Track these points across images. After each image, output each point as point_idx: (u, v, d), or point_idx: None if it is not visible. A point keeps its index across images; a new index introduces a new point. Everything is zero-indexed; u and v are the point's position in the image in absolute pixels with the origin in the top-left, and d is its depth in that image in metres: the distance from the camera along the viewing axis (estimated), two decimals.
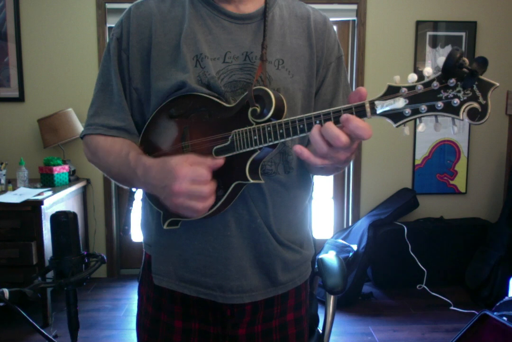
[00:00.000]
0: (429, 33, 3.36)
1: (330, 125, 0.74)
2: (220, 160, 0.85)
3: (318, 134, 0.75)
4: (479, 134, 3.46)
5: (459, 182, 3.52)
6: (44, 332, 0.96)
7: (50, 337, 0.99)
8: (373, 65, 3.37)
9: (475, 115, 0.68)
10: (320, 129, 0.75)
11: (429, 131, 0.80)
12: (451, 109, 0.69)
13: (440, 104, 0.70)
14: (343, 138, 0.73)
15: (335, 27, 1.09)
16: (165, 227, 0.96)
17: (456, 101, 0.69)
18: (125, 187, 1.04)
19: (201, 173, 0.81)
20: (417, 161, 3.47)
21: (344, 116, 0.73)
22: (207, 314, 1.03)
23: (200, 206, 0.81)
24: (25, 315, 0.91)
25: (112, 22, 3.27)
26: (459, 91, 0.69)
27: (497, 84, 0.68)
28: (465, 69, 0.67)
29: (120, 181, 1.00)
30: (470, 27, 3.36)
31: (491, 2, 3.38)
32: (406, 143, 3.44)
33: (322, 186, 3.62)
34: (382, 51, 3.37)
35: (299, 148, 0.77)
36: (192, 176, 0.80)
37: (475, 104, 0.68)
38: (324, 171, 1.00)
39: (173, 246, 1.01)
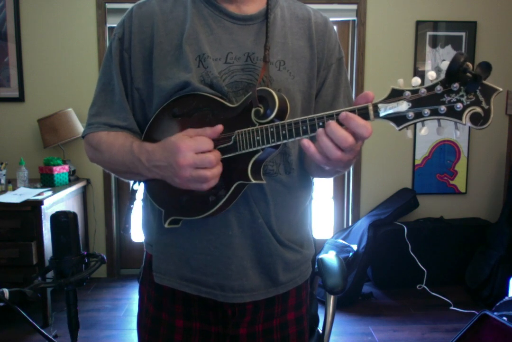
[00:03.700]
0: (429, 33, 3.36)
1: (336, 127, 0.74)
2: (219, 127, 0.86)
3: (328, 140, 0.75)
4: (479, 134, 3.46)
5: (459, 182, 3.52)
6: (44, 332, 0.96)
7: (50, 337, 0.99)
8: (373, 65, 3.37)
9: (477, 120, 0.68)
10: (326, 132, 0.75)
11: (430, 131, 0.80)
12: (454, 114, 0.69)
13: (443, 108, 0.70)
14: (350, 139, 0.73)
15: (335, 27, 1.09)
16: (166, 225, 0.96)
17: (459, 105, 0.69)
18: (128, 181, 1.04)
19: (203, 142, 0.82)
20: (417, 161, 3.47)
21: (343, 114, 0.74)
22: (208, 314, 1.03)
23: (208, 173, 0.82)
24: (25, 315, 0.91)
25: (112, 22, 3.27)
26: (462, 96, 0.69)
27: (501, 89, 0.68)
28: (468, 74, 0.67)
29: (124, 172, 0.99)
30: (470, 27, 3.36)
31: (491, 2, 3.38)
32: (406, 143, 3.44)
33: (322, 186, 3.62)
34: (382, 51, 3.37)
35: (306, 142, 0.77)
36: (194, 146, 0.82)
37: (478, 109, 0.68)
38: (323, 173, 1.00)
39: (174, 244, 1.01)
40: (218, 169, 0.84)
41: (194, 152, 0.82)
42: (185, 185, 0.85)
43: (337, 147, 0.74)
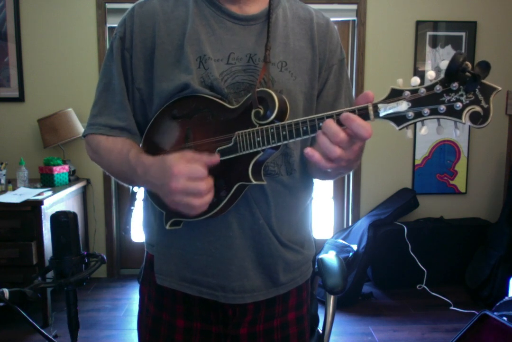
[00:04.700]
0: (429, 33, 3.36)
1: (330, 122, 0.74)
2: (216, 157, 0.85)
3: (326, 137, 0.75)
4: (479, 134, 3.46)
5: (459, 182, 3.52)
6: (44, 332, 0.96)
7: (50, 337, 0.99)
8: (373, 65, 3.37)
9: (477, 119, 0.68)
10: (322, 130, 0.75)
11: (430, 131, 0.81)
12: (454, 113, 0.70)
13: (442, 107, 0.70)
14: (341, 134, 0.73)
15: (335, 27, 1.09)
16: (167, 227, 0.96)
17: (458, 105, 0.69)
18: (127, 185, 1.04)
19: (197, 170, 0.81)
20: (417, 161, 3.47)
21: (344, 115, 0.74)
22: (209, 313, 1.03)
23: (196, 202, 0.82)
24: (25, 315, 0.91)
25: (112, 22, 3.27)
26: (461, 95, 0.69)
27: (500, 88, 0.68)
28: (467, 73, 0.68)
29: (122, 179, 1.00)
30: (470, 27, 3.36)
31: (491, 2, 3.38)
32: (406, 143, 3.45)
33: (322, 186, 3.62)
34: (382, 51, 3.37)
35: (310, 151, 0.77)
36: (187, 173, 0.81)
37: (478, 108, 0.68)
38: (326, 175, 1.00)
39: (175, 246, 1.01)
40: (208, 198, 0.83)
41: (187, 178, 0.81)
42: (173, 207, 0.85)
43: (333, 144, 0.74)
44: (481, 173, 3.53)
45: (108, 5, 3.25)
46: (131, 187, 1.10)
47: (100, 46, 3.27)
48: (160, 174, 0.84)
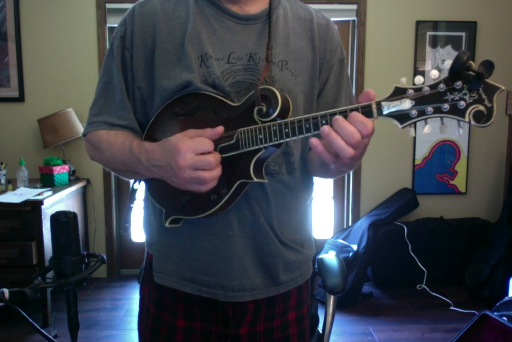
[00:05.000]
0: (429, 33, 3.36)
1: (344, 123, 0.74)
2: (219, 128, 0.86)
3: (334, 133, 0.75)
4: (479, 134, 3.46)
5: (459, 182, 3.52)
6: (44, 332, 0.96)
7: (50, 337, 1.00)
8: (373, 65, 3.37)
9: (480, 118, 0.69)
10: (334, 128, 0.75)
11: (432, 129, 0.82)
12: (457, 112, 0.70)
13: (446, 106, 0.70)
14: (357, 135, 0.73)
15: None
16: (166, 224, 0.96)
17: (462, 103, 0.69)
18: (127, 179, 1.04)
19: (203, 143, 0.82)
20: (417, 161, 3.47)
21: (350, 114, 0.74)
22: (209, 313, 1.03)
23: (207, 175, 0.82)
24: (25, 315, 0.91)
25: (112, 22, 3.27)
26: (465, 94, 0.69)
27: (503, 87, 0.68)
28: (471, 72, 0.68)
29: (124, 171, 1.00)
30: (470, 27, 3.36)
31: (491, 2, 3.38)
32: (406, 143, 3.45)
33: (322, 186, 3.62)
34: (382, 51, 3.37)
35: (315, 142, 0.77)
36: (194, 148, 0.81)
37: (481, 107, 0.69)
38: (327, 173, 1.00)
39: (175, 244, 1.01)
40: (217, 172, 0.84)
41: (194, 153, 0.81)
42: (184, 186, 0.85)
43: (348, 145, 0.74)
44: (481, 173, 3.53)
45: (108, 5, 3.25)
46: (131, 184, 1.10)
47: (100, 46, 3.27)
48: (165, 154, 0.84)
